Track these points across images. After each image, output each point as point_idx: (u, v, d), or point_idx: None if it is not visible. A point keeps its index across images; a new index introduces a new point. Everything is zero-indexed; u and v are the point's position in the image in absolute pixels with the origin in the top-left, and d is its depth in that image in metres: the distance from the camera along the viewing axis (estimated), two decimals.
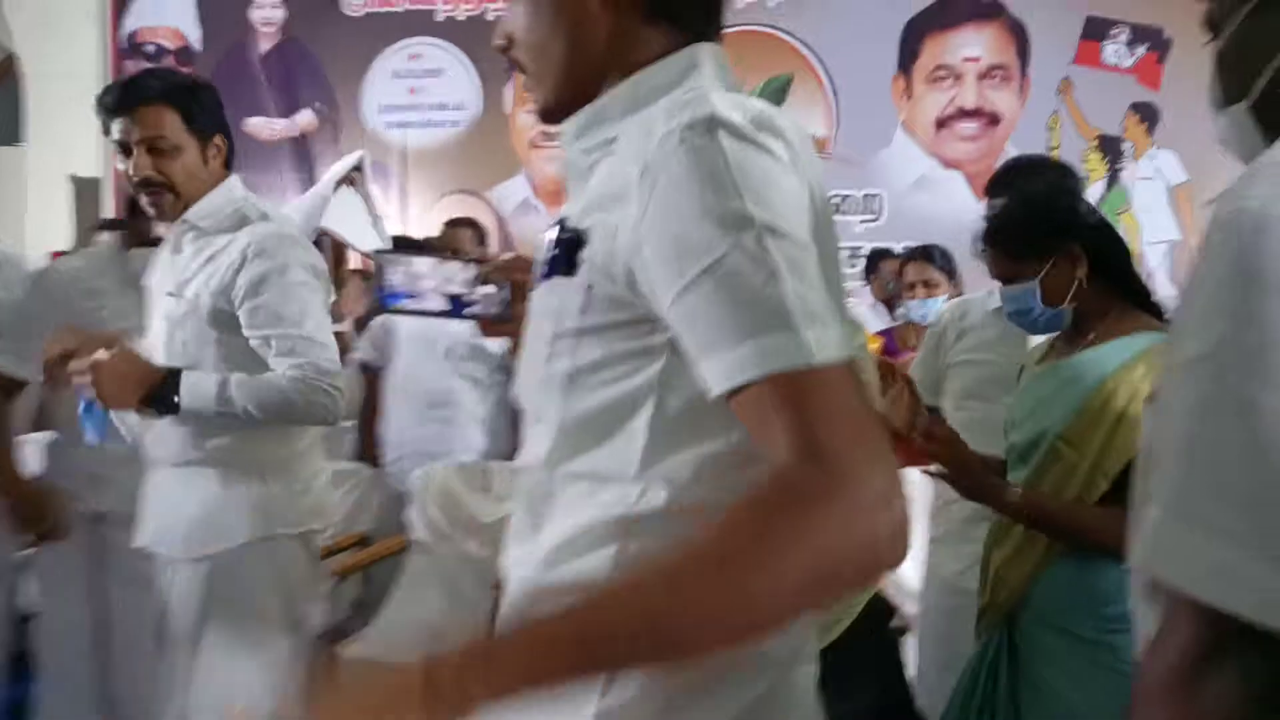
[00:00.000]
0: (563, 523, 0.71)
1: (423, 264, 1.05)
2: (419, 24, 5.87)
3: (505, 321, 1.07)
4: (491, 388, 3.02)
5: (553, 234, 0.75)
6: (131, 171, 1.65)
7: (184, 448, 1.63)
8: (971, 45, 5.31)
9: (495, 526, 2.48)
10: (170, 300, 1.67)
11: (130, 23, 6.17)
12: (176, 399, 1.55)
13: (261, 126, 6.04)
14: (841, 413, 0.59)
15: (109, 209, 6.09)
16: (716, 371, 0.61)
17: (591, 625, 0.58)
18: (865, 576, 0.61)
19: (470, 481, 2.77)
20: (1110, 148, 5.18)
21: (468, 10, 5.84)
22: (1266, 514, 0.46)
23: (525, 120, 5.82)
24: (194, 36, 6.12)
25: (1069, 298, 1.54)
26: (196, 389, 1.55)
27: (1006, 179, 2.07)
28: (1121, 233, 5.92)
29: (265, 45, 6.04)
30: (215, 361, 1.62)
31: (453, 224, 3.33)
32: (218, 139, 1.69)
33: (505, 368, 2.87)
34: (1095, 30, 5.20)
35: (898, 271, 3.14)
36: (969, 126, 5.31)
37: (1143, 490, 0.55)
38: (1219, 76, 0.69)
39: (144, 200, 1.68)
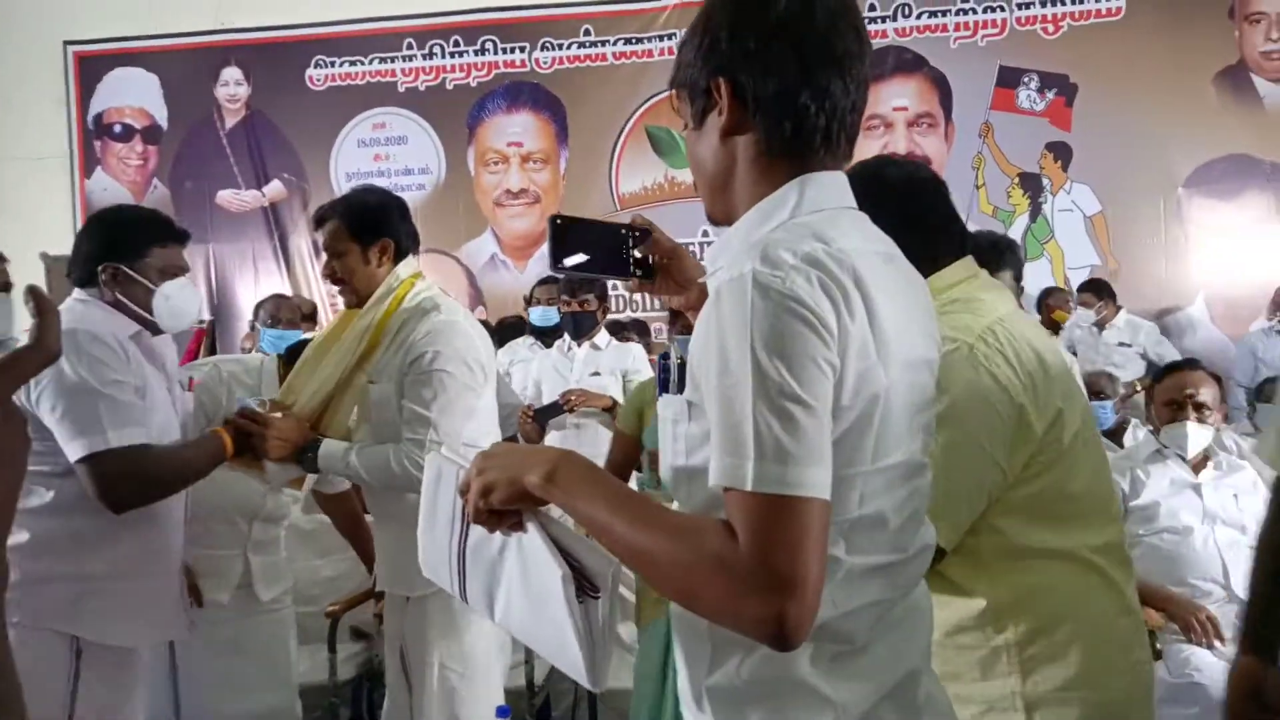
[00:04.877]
0: None
1: (594, 227, 1.15)
2: (381, 95, 6.16)
3: (650, 280, 1.20)
4: None
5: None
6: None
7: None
8: (899, 96, 5.78)
9: None
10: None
11: (97, 104, 6.34)
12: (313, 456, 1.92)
13: (231, 198, 6.24)
14: (762, 534, 0.80)
15: None
16: (712, 469, 0.84)
17: (614, 511, 0.89)
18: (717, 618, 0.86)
19: None
20: (1031, 184, 5.68)
21: (427, 81, 6.16)
22: None
23: (489, 180, 6.13)
24: (161, 115, 6.32)
25: None
26: (328, 453, 1.92)
27: None
28: (1047, 261, 6.36)
29: (231, 121, 6.26)
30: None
31: None
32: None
33: None
34: (1008, 78, 5.71)
35: None
36: None
37: None
38: None
39: None
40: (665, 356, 0.97)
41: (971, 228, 6.25)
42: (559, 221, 1.13)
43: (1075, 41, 5.65)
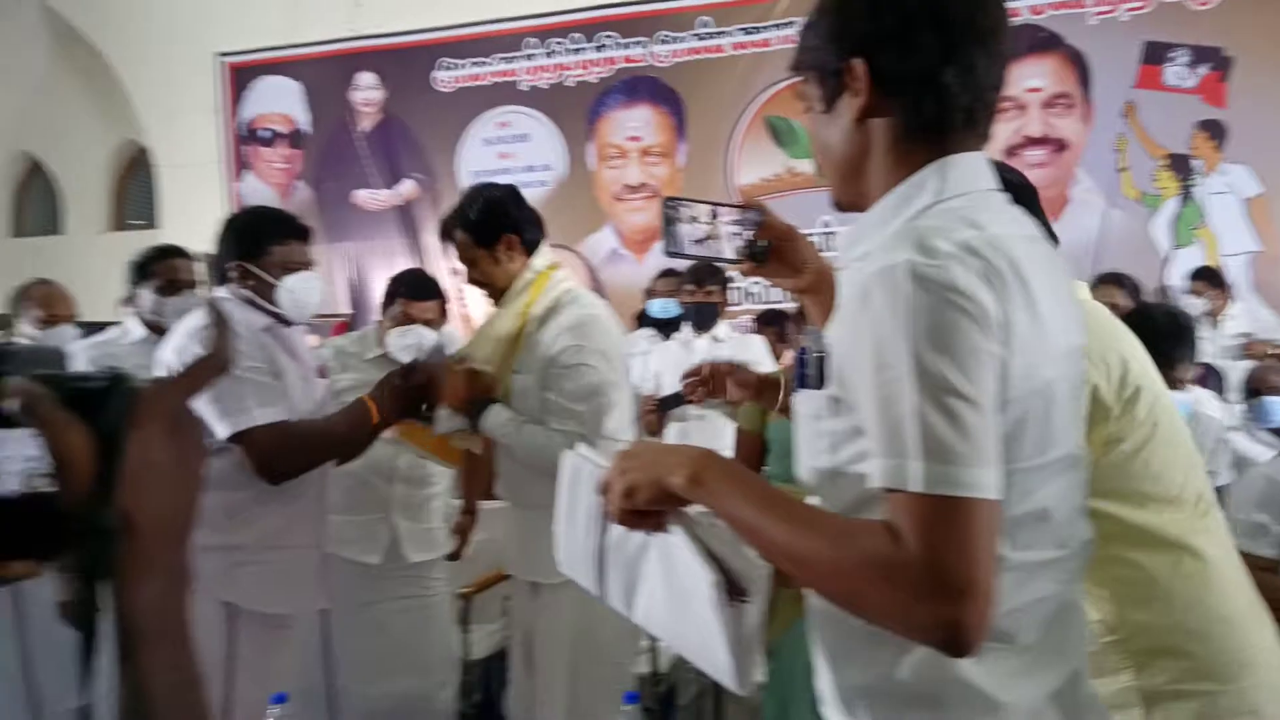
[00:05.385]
0: None
1: (707, 209, 1.16)
2: (505, 94, 6.32)
3: (764, 263, 1.19)
4: None
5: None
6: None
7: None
8: (1033, 76, 5.50)
9: None
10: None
11: (246, 111, 6.77)
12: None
13: (368, 198, 6.55)
14: (933, 537, 0.76)
15: None
16: (873, 470, 0.81)
17: (764, 512, 0.86)
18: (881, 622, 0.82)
19: None
20: (1180, 166, 5.30)
21: (548, 79, 6.28)
22: None
23: (608, 175, 6.21)
24: (303, 120, 6.69)
25: None
26: (495, 416, 1.95)
27: None
28: (1200, 249, 5.95)
29: (367, 124, 6.57)
30: None
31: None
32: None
33: None
34: (1154, 54, 5.35)
35: None
36: (1036, 153, 5.48)
37: None
38: None
39: None
40: (804, 350, 0.94)
41: (1115, 214, 5.83)
42: (671, 203, 1.15)
43: (1231, 11, 5.24)
